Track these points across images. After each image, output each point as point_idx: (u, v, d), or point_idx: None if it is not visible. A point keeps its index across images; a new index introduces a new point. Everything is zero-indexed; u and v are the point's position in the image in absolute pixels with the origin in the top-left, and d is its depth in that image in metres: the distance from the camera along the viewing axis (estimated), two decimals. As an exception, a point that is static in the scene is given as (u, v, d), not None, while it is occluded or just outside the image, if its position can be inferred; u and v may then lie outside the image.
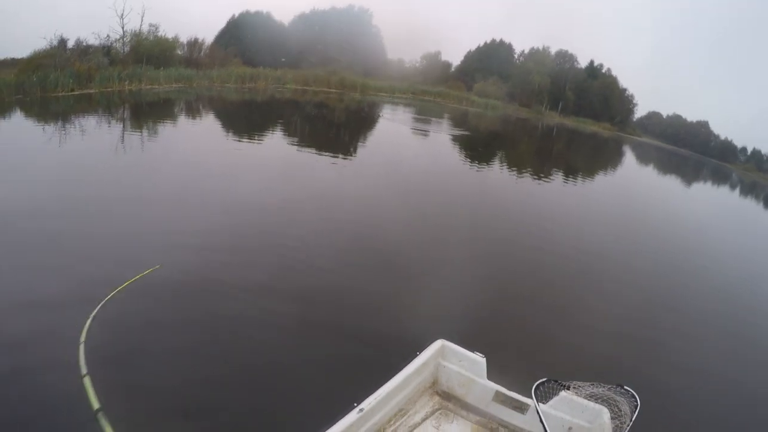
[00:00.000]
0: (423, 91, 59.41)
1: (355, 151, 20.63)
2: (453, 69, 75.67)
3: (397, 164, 18.22)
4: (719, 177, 54.31)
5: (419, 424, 3.91)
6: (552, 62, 78.22)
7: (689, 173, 48.56)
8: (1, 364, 4.57)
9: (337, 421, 3.21)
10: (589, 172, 28.40)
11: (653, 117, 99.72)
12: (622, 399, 3.52)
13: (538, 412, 3.17)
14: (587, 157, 39.85)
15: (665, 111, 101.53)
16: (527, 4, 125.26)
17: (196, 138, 19.01)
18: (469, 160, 23.19)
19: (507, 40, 79.61)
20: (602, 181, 26.70)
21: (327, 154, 18.48)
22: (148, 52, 34.59)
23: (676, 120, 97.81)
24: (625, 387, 3.58)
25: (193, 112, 27.32)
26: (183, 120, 23.54)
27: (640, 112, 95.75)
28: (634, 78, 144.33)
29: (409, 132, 27.34)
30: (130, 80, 29.47)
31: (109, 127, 18.69)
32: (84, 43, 33.02)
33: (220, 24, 58.89)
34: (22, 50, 28.93)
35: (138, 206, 9.75)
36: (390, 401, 3.76)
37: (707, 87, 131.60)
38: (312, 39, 59.97)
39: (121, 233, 8.16)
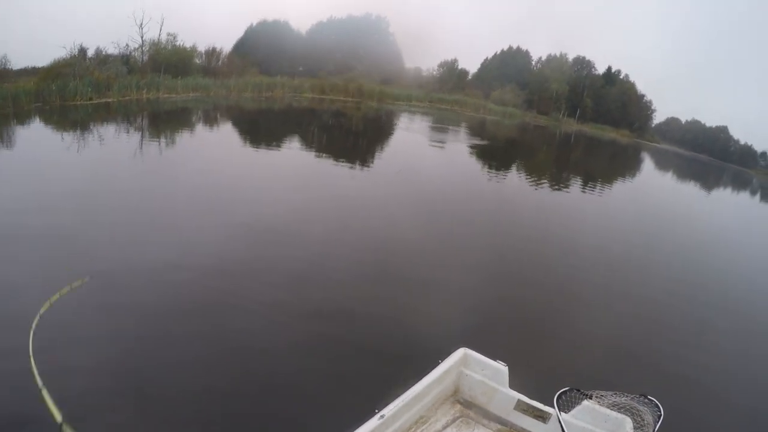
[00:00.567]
0: (440, 99, 59.26)
1: (371, 161, 20.37)
2: (470, 77, 75.43)
3: (414, 174, 17.92)
4: (740, 183, 53.28)
5: (440, 431, 3.88)
6: (569, 69, 77.81)
7: (709, 180, 47.73)
8: None
9: (359, 427, 3.20)
10: (610, 180, 27.91)
11: (672, 123, 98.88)
12: (646, 409, 3.43)
13: (560, 422, 3.15)
14: (607, 165, 39.23)
15: (684, 117, 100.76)
16: (544, 11, 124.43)
17: (212, 146, 18.96)
18: (488, 170, 22.80)
19: (524, 47, 79.57)
20: (623, 189, 26.21)
21: (343, 163, 18.32)
22: (167, 61, 34.88)
23: (695, 125, 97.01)
24: (649, 397, 3.50)
25: (209, 120, 27.37)
26: (199, 129, 23.54)
27: (658, 118, 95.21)
28: (652, 83, 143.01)
29: (426, 142, 26.99)
30: (147, 89, 29.63)
31: (126, 135, 18.76)
32: (104, 52, 33.57)
33: (239, 33, 59.50)
34: (43, 59, 29.37)
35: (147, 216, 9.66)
36: (411, 408, 3.73)
37: (726, 91, 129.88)
38: (329, 47, 60.26)
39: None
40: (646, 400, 3.47)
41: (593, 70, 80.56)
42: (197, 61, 41.21)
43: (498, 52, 79.23)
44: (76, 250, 7.52)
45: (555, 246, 12.02)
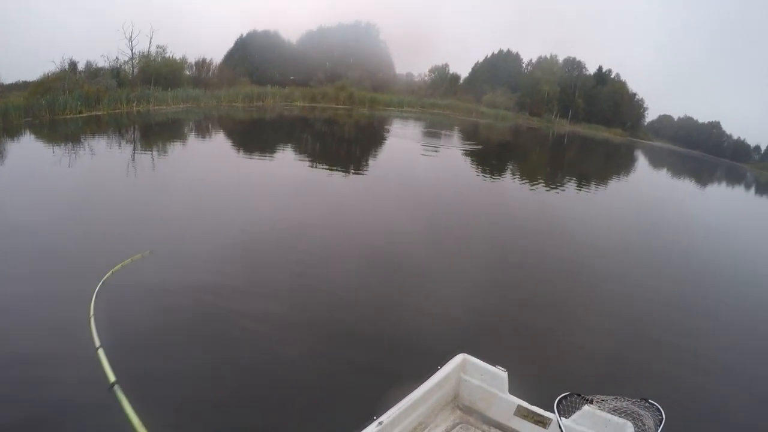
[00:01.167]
0: (432, 104, 59.47)
1: (365, 168, 20.38)
2: (461, 81, 75.77)
3: (409, 180, 17.85)
4: (734, 177, 53.31)
5: None
6: (560, 70, 78.07)
7: (705, 176, 47.74)
8: (17, 340, 5.06)
9: None
10: (604, 179, 27.84)
11: (664, 120, 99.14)
12: (647, 413, 3.41)
13: (560, 427, 3.16)
14: (600, 164, 39.14)
15: (676, 113, 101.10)
16: (533, 13, 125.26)
17: (202, 157, 18.91)
18: (482, 174, 22.66)
19: (514, 49, 79.94)
20: (618, 187, 26.12)
21: (334, 171, 18.33)
22: (157, 73, 34.90)
23: (688, 122, 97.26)
24: (650, 401, 3.49)
25: (199, 131, 27.28)
26: (188, 140, 23.47)
27: (650, 116, 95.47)
28: (643, 82, 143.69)
29: (419, 148, 26.86)
30: (138, 101, 29.64)
31: (117, 147, 18.65)
32: (94, 66, 33.62)
33: (229, 44, 59.63)
34: (33, 73, 29.39)
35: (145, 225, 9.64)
36: (410, 415, 3.70)
37: (717, 86, 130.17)
38: (320, 56, 60.42)
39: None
40: (648, 404, 3.47)
41: (584, 70, 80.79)
42: (187, 72, 41.29)
43: (489, 56, 79.67)
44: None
45: (553, 247, 11.89)
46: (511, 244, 11.82)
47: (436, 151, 26.82)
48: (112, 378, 3.14)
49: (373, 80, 59.54)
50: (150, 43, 37.74)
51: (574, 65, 79.93)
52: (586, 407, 3.56)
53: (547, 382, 5.05)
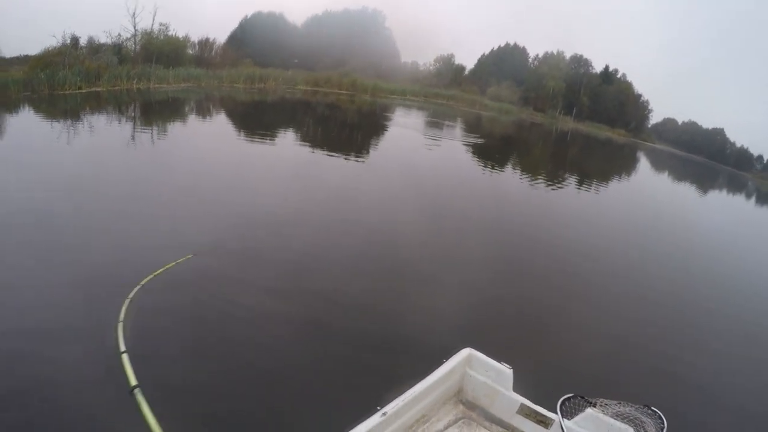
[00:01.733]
0: (435, 93, 59.09)
1: (366, 154, 20.22)
2: (467, 72, 75.24)
3: (413, 170, 17.69)
4: (735, 186, 53.14)
5: (441, 431, 3.90)
6: (566, 66, 77.57)
7: (707, 182, 47.52)
8: (45, 339, 4.91)
9: (360, 423, 3.23)
10: (607, 179, 27.75)
11: (668, 123, 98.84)
12: (649, 420, 3.41)
13: (562, 428, 3.22)
14: (603, 164, 38.98)
15: (680, 118, 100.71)
16: (541, 8, 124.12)
17: (200, 138, 18.73)
18: (486, 168, 22.44)
19: (521, 43, 79.40)
20: (622, 189, 26.08)
21: (337, 156, 18.19)
22: (159, 51, 34.59)
23: (692, 127, 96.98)
24: (653, 408, 3.48)
25: (197, 111, 27.02)
26: (185, 119, 23.30)
27: (655, 119, 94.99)
28: (649, 83, 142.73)
29: (421, 138, 26.54)
30: (138, 79, 29.40)
31: (112, 125, 18.45)
32: (96, 42, 33.31)
33: (233, 24, 59.15)
34: (35, 47, 29.05)
35: (149, 207, 9.59)
36: (413, 407, 3.75)
37: (724, 94, 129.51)
38: (325, 41, 59.98)
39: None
40: (650, 411, 3.46)
41: (590, 68, 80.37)
42: (190, 51, 40.91)
43: (495, 49, 79.14)
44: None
45: (560, 247, 11.83)
46: (520, 240, 11.78)
47: (437, 143, 26.56)
48: (133, 382, 3.23)
49: (378, 67, 59.11)
50: (153, 20, 37.37)
51: (580, 62, 79.49)
52: (588, 410, 3.56)
53: (552, 381, 5.11)
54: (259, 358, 5.32)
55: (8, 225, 7.68)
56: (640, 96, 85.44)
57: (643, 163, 49.08)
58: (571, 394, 3.55)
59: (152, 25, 37.06)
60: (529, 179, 21.04)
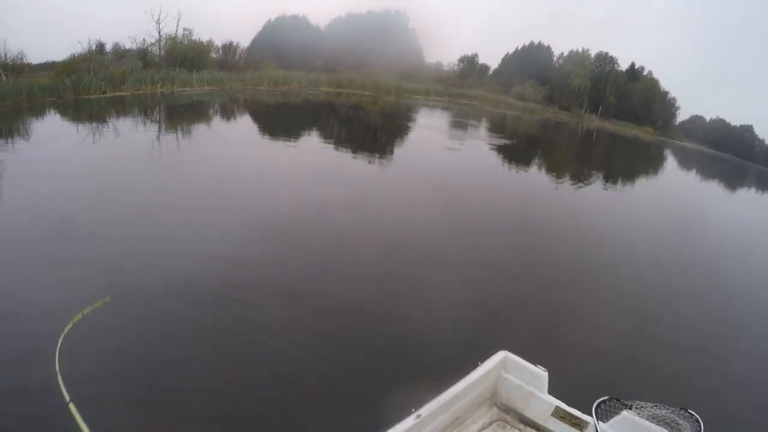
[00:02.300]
0: (459, 94, 58.43)
1: (390, 157, 19.90)
2: (491, 72, 74.51)
3: (438, 173, 17.31)
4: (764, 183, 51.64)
5: None
6: (592, 65, 76.15)
7: (733, 180, 46.20)
8: None
9: (395, 425, 3.23)
10: (634, 178, 27.10)
11: (696, 121, 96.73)
12: (686, 423, 3.34)
13: (597, 431, 3.21)
14: (631, 162, 38.08)
15: (708, 115, 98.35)
16: (567, 6, 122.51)
17: (220, 139, 18.68)
18: (513, 172, 21.93)
19: (546, 42, 78.24)
20: (653, 188, 25.44)
21: (364, 157, 17.88)
22: (183, 55, 34.80)
23: (720, 124, 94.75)
24: (689, 411, 3.40)
25: (222, 114, 27.16)
26: (214, 123, 23.36)
27: (682, 116, 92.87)
28: (676, 81, 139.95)
29: (446, 141, 25.99)
30: (162, 83, 29.56)
31: (136, 128, 18.53)
32: (122, 48, 33.68)
33: (257, 28, 59.40)
34: (62, 54, 29.45)
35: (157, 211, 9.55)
36: (448, 409, 3.74)
37: (752, 90, 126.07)
38: (348, 43, 59.85)
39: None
40: (687, 414, 3.37)
41: (616, 66, 78.75)
42: (214, 55, 41.11)
43: (519, 48, 78.08)
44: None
45: (596, 251, 11.64)
46: (556, 243, 11.62)
47: (463, 144, 26.01)
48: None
49: (401, 68, 58.75)
50: (177, 25, 37.68)
51: (606, 60, 77.94)
52: (624, 413, 3.48)
53: (588, 384, 5.14)
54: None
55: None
56: (666, 93, 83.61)
57: (675, 162, 47.97)
58: (606, 397, 3.51)
59: (176, 30, 37.41)
60: (555, 180, 20.52)
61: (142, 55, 34.28)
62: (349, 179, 14.44)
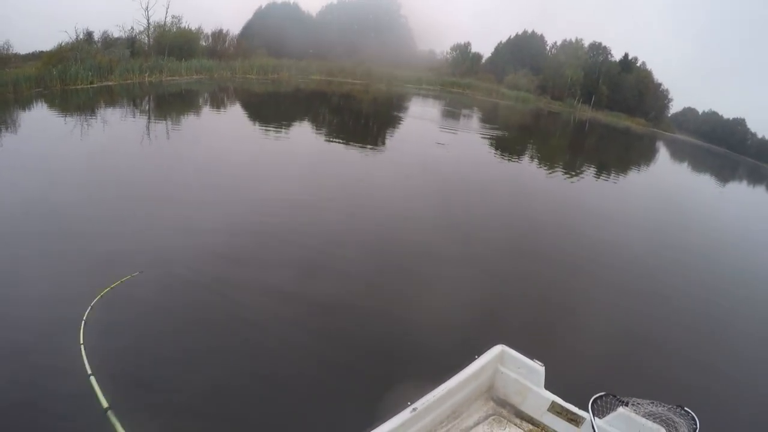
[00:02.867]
0: (452, 82, 58.27)
1: (382, 148, 19.82)
2: (483, 60, 74.18)
3: (431, 164, 17.23)
4: (756, 177, 51.85)
5: (471, 428, 3.92)
6: (585, 55, 75.90)
7: (725, 174, 46.34)
8: (7, 369, 4.70)
9: (390, 418, 3.26)
10: (627, 171, 27.19)
11: (688, 113, 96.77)
12: (682, 420, 3.37)
13: (593, 427, 3.23)
14: (624, 155, 38.12)
15: (701, 107, 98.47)
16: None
17: (203, 131, 18.50)
18: (508, 166, 21.74)
19: (539, 31, 77.91)
20: (648, 182, 25.47)
21: (356, 147, 17.82)
22: (171, 43, 34.46)
23: (712, 117, 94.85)
24: (686, 408, 3.43)
25: (203, 104, 26.74)
26: (200, 113, 23.07)
27: (675, 108, 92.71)
28: (669, 72, 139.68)
29: (438, 132, 25.97)
30: (150, 72, 29.29)
31: (121, 119, 18.36)
32: (110, 36, 33.33)
33: (247, 15, 58.88)
34: (49, 44, 29.10)
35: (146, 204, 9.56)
36: (444, 403, 3.76)
37: (745, 84, 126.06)
38: (339, 30, 59.50)
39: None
40: (683, 412, 3.40)
41: (609, 56, 78.53)
42: (203, 43, 40.73)
43: (512, 36, 77.75)
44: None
45: (596, 247, 11.59)
46: (553, 237, 11.64)
47: (455, 136, 25.95)
48: (105, 403, 3.13)
49: (393, 56, 58.42)
50: (166, 13, 37.31)
51: (599, 50, 77.71)
52: (620, 409, 3.51)
53: (584, 379, 5.19)
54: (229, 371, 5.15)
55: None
56: (659, 85, 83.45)
57: (668, 154, 48.23)
58: (603, 393, 3.53)
59: (165, 17, 37.00)
60: (547, 171, 20.55)
61: (130, 43, 33.92)
62: (340, 171, 14.41)
